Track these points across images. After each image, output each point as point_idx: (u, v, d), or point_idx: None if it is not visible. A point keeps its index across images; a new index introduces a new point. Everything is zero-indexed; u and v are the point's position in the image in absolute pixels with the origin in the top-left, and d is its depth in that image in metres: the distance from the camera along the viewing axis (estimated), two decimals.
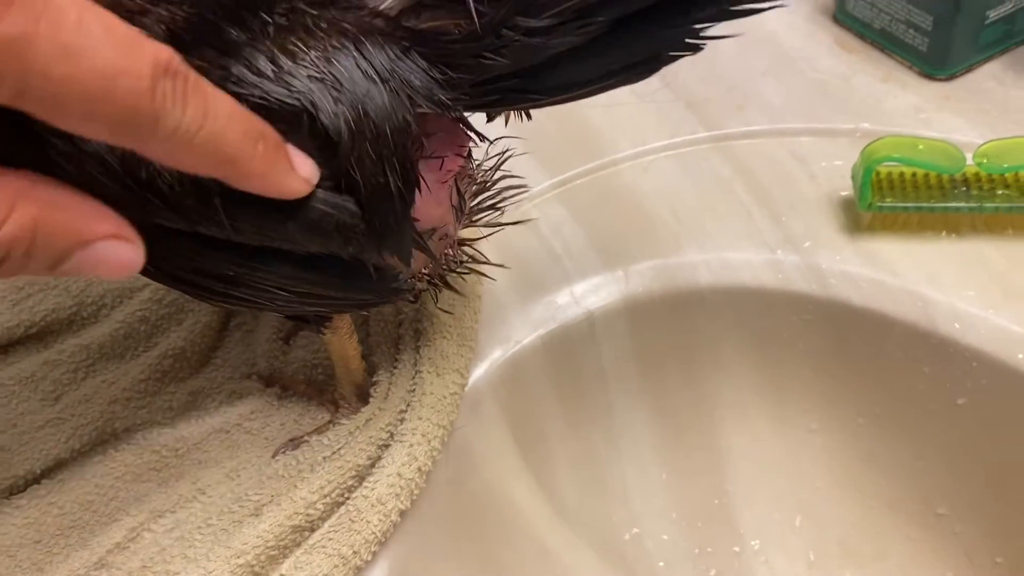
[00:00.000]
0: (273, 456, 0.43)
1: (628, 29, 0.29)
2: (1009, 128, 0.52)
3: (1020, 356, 0.43)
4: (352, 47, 0.30)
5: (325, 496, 0.39)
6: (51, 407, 0.45)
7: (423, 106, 0.31)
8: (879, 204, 0.47)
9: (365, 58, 0.30)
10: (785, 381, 0.52)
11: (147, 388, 0.46)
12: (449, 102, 0.31)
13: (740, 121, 0.56)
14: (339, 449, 0.41)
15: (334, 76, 0.30)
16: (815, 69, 0.58)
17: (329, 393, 0.45)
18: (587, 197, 0.52)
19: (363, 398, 0.44)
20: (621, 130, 0.56)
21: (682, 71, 0.60)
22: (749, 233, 0.50)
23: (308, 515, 0.39)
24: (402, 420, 0.42)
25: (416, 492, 0.40)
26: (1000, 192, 0.46)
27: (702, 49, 0.31)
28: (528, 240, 0.50)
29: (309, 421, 0.44)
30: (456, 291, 0.43)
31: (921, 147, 0.46)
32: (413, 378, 0.43)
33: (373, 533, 0.39)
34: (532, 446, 0.49)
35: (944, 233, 0.48)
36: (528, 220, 0.49)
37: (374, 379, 0.44)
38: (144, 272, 0.33)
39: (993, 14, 0.53)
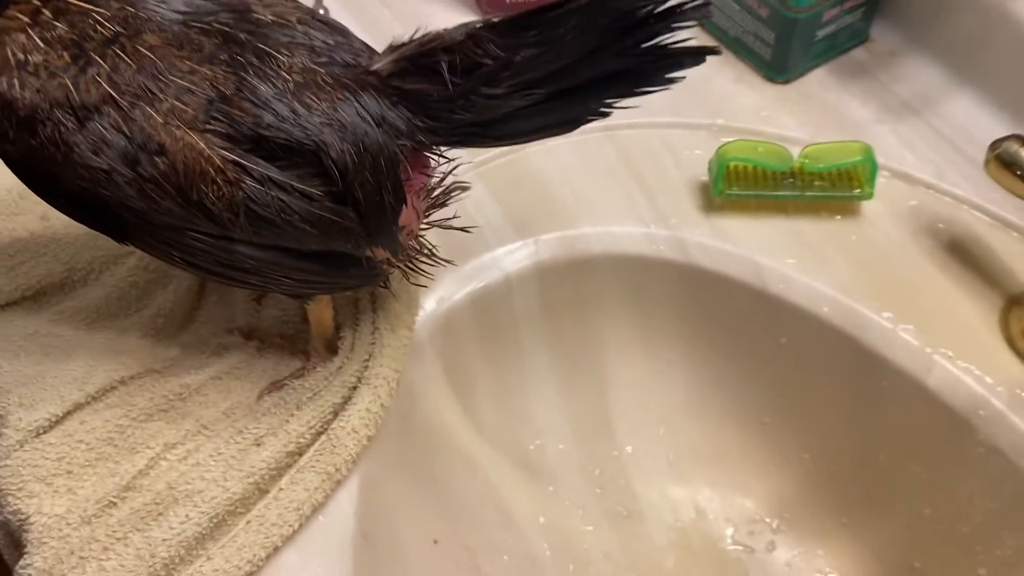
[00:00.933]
0: (259, 398, 0.53)
1: (560, 100, 0.41)
2: (828, 126, 0.66)
3: (824, 308, 0.59)
4: (353, 98, 0.41)
5: (311, 428, 0.51)
6: (63, 360, 0.54)
7: (407, 144, 0.42)
8: (728, 192, 0.61)
9: (363, 107, 0.41)
10: (654, 326, 0.66)
11: (145, 343, 0.55)
12: (426, 141, 0.42)
13: (625, 114, 0.68)
14: (319, 391, 0.52)
15: (340, 121, 0.41)
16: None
17: (301, 344, 0.56)
18: (503, 178, 0.64)
19: (331, 349, 0.55)
20: None
21: None
22: (630, 210, 0.63)
23: (298, 443, 0.50)
24: (366, 367, 0.53)
25: (379, 422, 0.52)
26: (817, 184, 0.60)
27: (610, 114, 0.43)
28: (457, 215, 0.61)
29: (285, 368, 0.55)
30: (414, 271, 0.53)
31: (760, 149, 0.60)
32: (372, 333, 0.55)
33: (350, 454, 0.51)
34: (460, 382, 0.62)
35: (775, 214, 0.62)
36: (469, 228, 0.56)
37: (340, 334, 0.55)
38: (176, 265, 0.43)
39: (821, 33, 0.67)
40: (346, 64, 0.41)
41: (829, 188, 0.61)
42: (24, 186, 0.62)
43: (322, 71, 0.41)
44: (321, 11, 0.74)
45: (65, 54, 0.38)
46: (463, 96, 0.40)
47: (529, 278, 0.62)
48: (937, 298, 0.58)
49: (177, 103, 0.38)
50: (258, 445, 0.50)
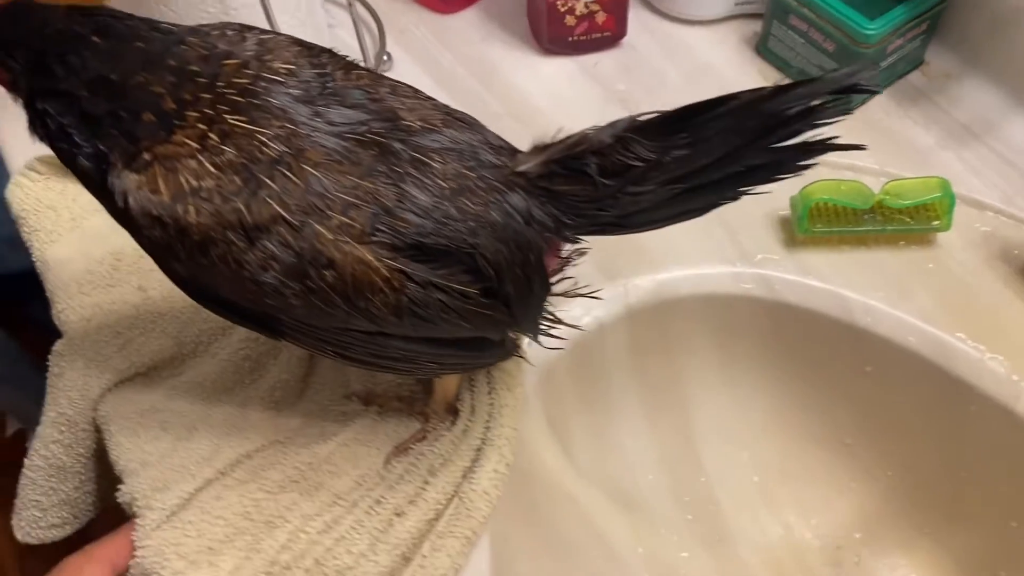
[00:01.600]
0: (386, 463, 0.55)
1: (700, 191, 0.43)
2: (894, 154, 0.69)
3: (910, 339, 0.61)
4: (503, 200, 0.42)
5: (448, 495, 0.53)
6: (186, 437, 0.56)
7: (552, 238, 0.44)
8: (813, 229, 0.63)
9: (513, 207, 0.42)
10: (736, 356, 0.68)
11: (267, 415, 0.57)
12: (570, 236, 0.44)
13: None
14: (449, 456, 0.54)
15: (492, 223, 0.42)
16: None
17: (418, 406, 0.57)
18: None
19: (451, 411, 0.56)
20: None
21: (643, 105, 0.73)
22: (715, 249, 0.65)
23: (436, 510, 0.52)
24: (488, 428, 0.55)
25: (505, 481, 0.55)
26: (897, 218, 0.63)
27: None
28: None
29: (405, 430, 0.57)
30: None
31: (843, 188, 0.62)
32: (489, 393, 0.57)
33: (483, 516, 0.53)
34: (558, 425, 0.64)
35: (855, 247, 0.64)
36: (596, 294, 0.57)
37: (459, 396, 0.57)
38: (327, 356, 0.45)
39: (884, 63, 0.69)
40: (492, 165, 0.43)
41: (908, 222, 0.63)
42: (119, 262, 0.64)
43: (473, 175, 0.42)
44: (385, 57, 0.75)
45: (236, 178, 0.39)
46: (612, 196, 0.42)
47: (620, 322, 0.64)
48: (1019, 324, 0.61)
49: (344, 219, 0.40)
50: (399, 515, 0.52)
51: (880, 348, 0.63)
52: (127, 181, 0.39)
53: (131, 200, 0.39)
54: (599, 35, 0.75)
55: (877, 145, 0.69)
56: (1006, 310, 0.62)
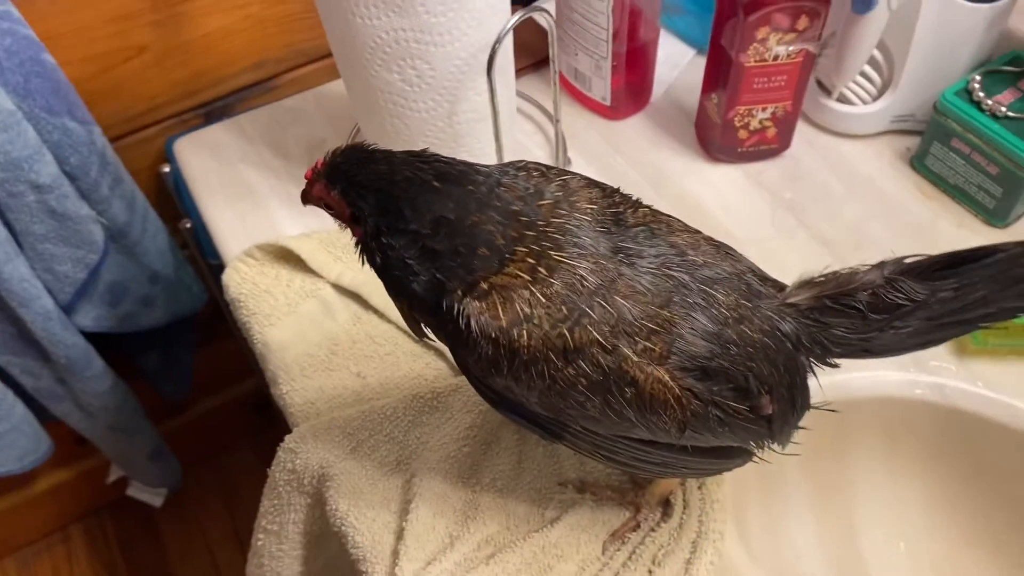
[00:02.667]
0: (604, 550, 0.60)
1: (951, 326, 0.48)
2: None
3: None
4: (776, 328, 0.48)
5: (671, 569, 0.57)
6: (430, 517, 0.61)
7: (815, 362, 0.49)
8: (988, 342, 0.68)
9: (783, 334, 0.48)
10: (901, 455, 0.73)
11: (496, 502, 0.62)
12: (831, 361, 0.49)
13: (859, 258, 0.75)
14: (672, 548, 0.59)
15: (766, 348, 0.47)
16: (908, 213, 0.78)
17: (630, 496, 0.62)
18: None
19: (663, 504, 0.61)
20: (772, 264, 0.74)
21: (810, 212, 0.79)
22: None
23: None
24: (702, 522, 0.60)
25: (717, 572, 0.59)
26: None
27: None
28: None
29: (616, 519, 0.62)
30: None
31: None
32: (700, 488, 0.61)
33: None
34: (738, 513, 0.68)
35: (1020, 358, 0.69)
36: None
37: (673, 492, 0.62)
38: (594, 458, 0.50)
39: None
40: (762, 295, 0.48)
41: None
42: (336, 347, 0.69)
43: (749, 305, 0.47)
44: (566, 162, 0.81)
45: (563, 308, 0.44)
46: (878, 329, 0.47)
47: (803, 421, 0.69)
48: None
49: (647, 343, 0.45)
50: None
51: None
52: (470, 307, 0.45)
53: (473, 323, 0.45)
54: (766, 147, 0.81)
55: None
56: None
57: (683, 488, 0.62)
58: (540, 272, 0.45)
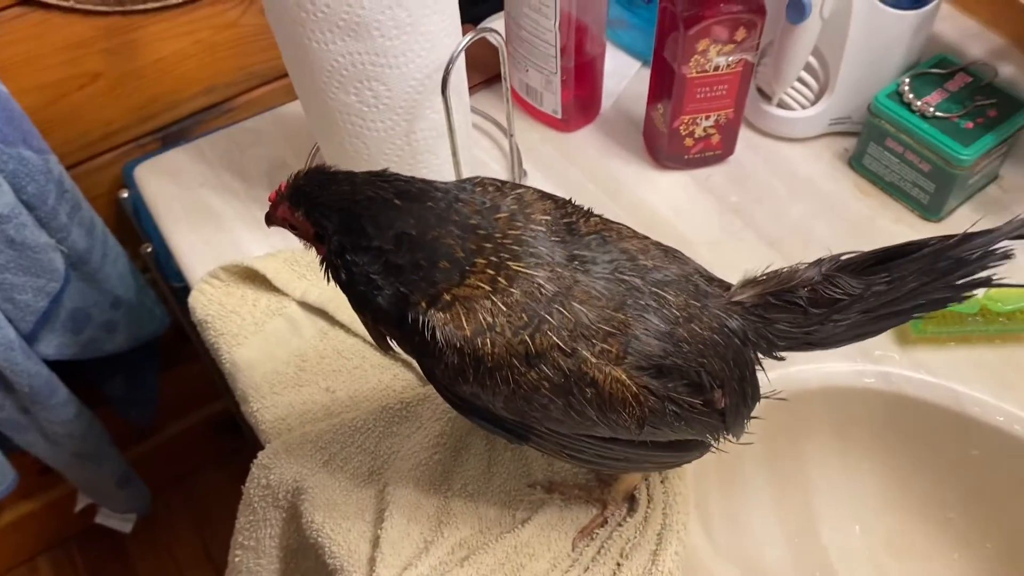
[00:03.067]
0: (574, 547, 0.62)
1: (885, 318, 0.51)
2: None
3: (1015, 427, 0.70)
4: (725, 326, 0.50)
5: (638, 561, 0.60)
6: (403, 524, 0.62)
7: (762, 355, 0.52)
8: (926, 331, 0.71)
9: (731, 330, 0.51)
10: (852, 441, 0.76)
11: (469, 506, 0.64)
12: (776, 354, 0.52)
13: (806, 257, 0.78)
14: (639, 541, 0.61)
15: (716, 345, 0.50)
16: (848, 211, 0.82)
17: (596, 493, 0.64)
18: None
19: (628, 500, 0.64)
20: (722, 265, 0.78)
21: (756, 214, 0.82)
22: (840, 348, 0.73)
23: (620, 572, 0.59)
24: (666, 515, 0.63)
25: (683, 563, 0.62)
26: (998, 321, 0.72)
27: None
28: None
29: (584, 516, 0.64)
30: None
31: None
32: (663, 482, 0.64)
33: None
34: (701, 505, 0.71)
35: (960, 345, 0.73)
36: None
37: (637, 488, 0.64)
38: (559, 457, 0.53)
39: (971, 181, 0.79)
40: (709, 294, 0.51)
41: (1007, 323, 0.72)
42: (304, 363, 0.71)
43: (698, 304, 0.50)
44: (522, 175, 0.83)
45: (524, 315, 0.47)
46: (819, 323, 0.50)
47: (757, 411, 0.72)
48: None
49: (604, 345, 0.48)
50: None
51: (987, 434, 0.71)
52: (435, 318, 0.47)
53: (439, 333, 0.47)
54: (711, 153, 0.84)
55: None
56: None
57: (647, 483, 0.64)
58: (500, 282, 0.47)
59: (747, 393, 0.52)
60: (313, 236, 0.50)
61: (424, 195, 0.48)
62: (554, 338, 0.47)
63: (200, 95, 1.02)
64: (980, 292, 0.52)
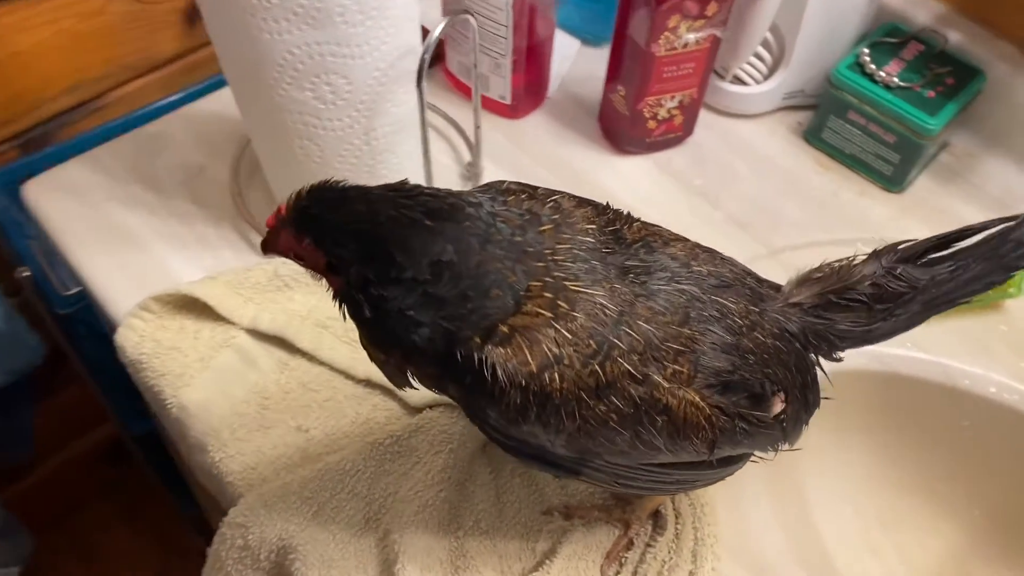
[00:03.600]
0: (603, 574, 0.57)
1: (943, 305, 0.48)
2: (948, 228, 0.78)
3: (1005, 395, 0.70)
4: (785, 331, 0.46)
5: None
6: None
7: (822, 357, 0.48)
8: None
9: (792, 336, 0.47)
10: (848, 424, 0.74)
11: (484, 544, 0.57)
12: (836, 356, 0.48)
13: (781, 237, 0.76)
14: (675, 562, 0.57)
15: (778, 353, 0.46)
16: (811, 187, 0.80)
17: (616, 513, 0.60)
18: None
19: (653, 517, 0.59)
20: None
21: (722, 196, 0.79)
22: None
23: None
24: (696, 528, 0.59)
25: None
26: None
27: None
28: None
29: (607, 539, 0.59)
30: None
31: None
32: (687, 494, 0.60)
33: None
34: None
35: (941, 318, 0.72)
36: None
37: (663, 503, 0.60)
38: (608, 487, 0.47)
39: (931, 151, 0.78)
40: (763, 296, 0.47)
41: (990, 293, 0.72)
42: (267, 400, 0.62)
43: (757, 310, 0.46)
44: (479, 165, 0.77)
45: (592, 342, 0.41)
46: (883, 319, 0.47)
47: None
48: None
49: (675, 366, 0.42)
50: None
51: (978, 405, 0.71)
52: (494, 355, 0.40)
53: (500, 372, 0.40)
54: (672, 135, 0.80)
55: (931, 221, 0.79)
56: None
57: (672, 497, 0.60)
58: (561, 306, 0.41)
59: (808, 400, 0.49)
60: (324, 267, 0.42)
61: (458, 212, 0.41)
62: (625, 364, 0.41)
63: (64, 94, 0.88)
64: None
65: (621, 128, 0.79)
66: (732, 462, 0.51)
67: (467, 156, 0.78)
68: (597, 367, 0.41)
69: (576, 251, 0.43)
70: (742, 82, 0.83)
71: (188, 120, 0.81)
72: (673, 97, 0.76)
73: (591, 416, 0.42)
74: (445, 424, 0.60)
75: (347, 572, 0.56)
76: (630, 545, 0.59)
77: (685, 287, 0.44)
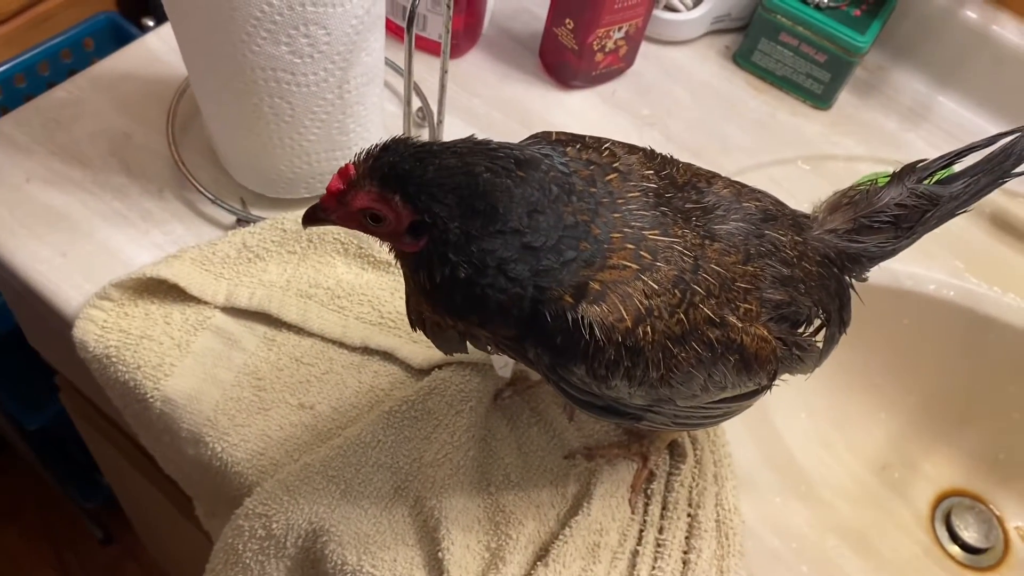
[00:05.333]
0: (633, 509, 0.59)
1: (944, 219, 0.51)
2: (874, 141, 0.83)
3: (944, 291, 0.76)
4: (824, 257, 0.48)
5: (714, 520, 0.58)
6: (463, 543, 0.55)
7: (853, 278, 0.50)
8: None
9: (830, 260, 0.49)
10: None
11: (518, 498, 0.57)
12: (864, 276, 0.51)
13: (732, 161, 0.79)
14: (703, 486, 0.59)
15: (820, 279, 0.48)
16: (748, 110, 0.83)
17: (635, 448, 0.61)
18: None
19: (669, 448, 0.61)
20: None
21: (669, 125, 0.80)
22: None
23: (715, 537, 0.57)
24: (713, 451, 0.61)
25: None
26: None
27: None
28: None
29: (628, 473, 0.61)
30: None
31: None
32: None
33: (741, 530, 0.59)
34: None
35: None
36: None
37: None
38: (665, 428, 0.49)
39: (856, 68, 0.82)
40: (803, 226, 0.48)
41: None
42: (260, 381, 0.59)
43: (801, 240, 0.47)
44: (423, 114, 0.74)
45: (676, 291, 0.41)
46: (907, 237, 0.49)
47: None
48: (1012, 264, 0.78)
49: (746, 305, 0.43)
50: (690, 552, 0.56)
51: (919, 303, 0.77)
52: (590, 313, 0.39)
53: (598, 331, 0.39)
54: (615, 67, 0.80)
55: (860, 135, 0.83)
56: (1008, 258, 0.78)
57: None
58: (644, 257, 0.40)
59: (844, 320, 0.51)
60: (407, 228, 0.39)
61: (536, 162, 0.39)
62: (705, 310, 0.42)
63: None
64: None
65: (567, 62, 0.78)
66: (764, 390, 0.53)
67: (416, 102, 0.75)
68: (682, 315, 0.41)
69: (644, 199, 0.42)
70: (675, 9, 0.84)
71: (97, 83, 0.72)
72: (620, 28, 0.76)
73: (673, 364, 0.42)
74: (460, 383, 0.59)
75: (385, 545, 0.55)
76: (652, 476, 0.60)
77: (741, 224, 0.45)
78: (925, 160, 0.51)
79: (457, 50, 0.79)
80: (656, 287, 0.40)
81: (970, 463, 0.84)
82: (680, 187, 0.45)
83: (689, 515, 0.58)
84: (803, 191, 0.78)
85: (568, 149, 0.43)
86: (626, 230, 0.41)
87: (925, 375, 0.82)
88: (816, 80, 0.82)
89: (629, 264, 0.40)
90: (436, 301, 0.41)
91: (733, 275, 0.43)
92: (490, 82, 0.80)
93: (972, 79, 0.85)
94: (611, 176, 0.42)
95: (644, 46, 0.85)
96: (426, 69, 0.78)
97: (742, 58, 0.85)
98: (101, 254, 0.64)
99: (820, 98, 0.83)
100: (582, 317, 0.39)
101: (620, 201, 0.41)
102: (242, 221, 0.66)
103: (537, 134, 0.45)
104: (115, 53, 0.74)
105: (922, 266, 0.76)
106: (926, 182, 0.50)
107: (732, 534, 0.58)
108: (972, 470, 0.83)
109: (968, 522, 0.79)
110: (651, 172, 0.44)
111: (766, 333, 0.44)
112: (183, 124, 0.70)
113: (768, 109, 0.84)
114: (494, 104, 0.78)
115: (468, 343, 0.45)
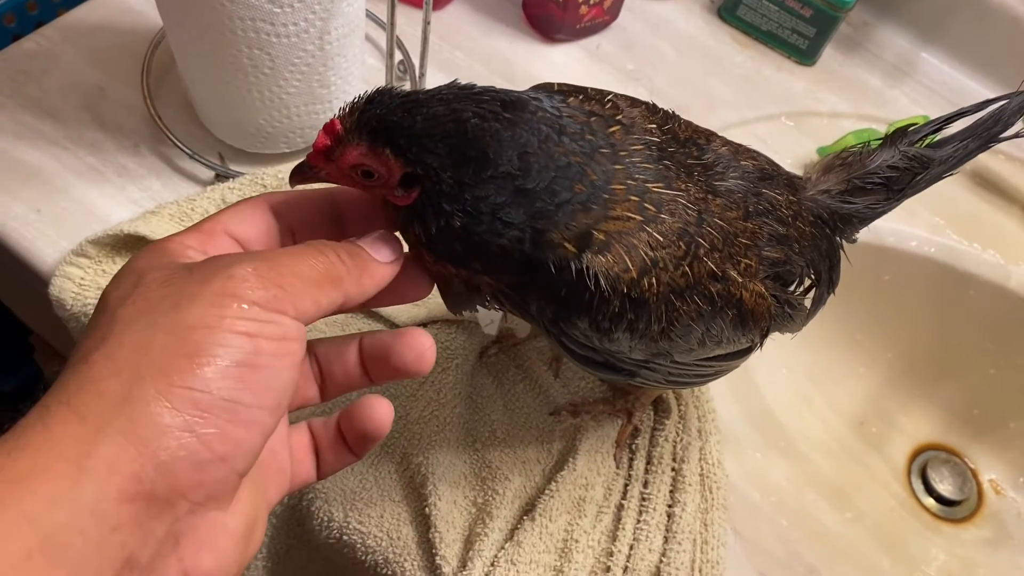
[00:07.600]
0: (618, 464, 0.59)
1: (933, 181, 0.51)
2: (858, 97, 0.82)
3: (925, 248, 0.77)
4: (817, 217, 0.48)
5: (699, 474, 0.58)
6: (449, 499, 0.55)
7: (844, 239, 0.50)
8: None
9: (822, 220, 0.49)
10: None
11: (505, 454, 0.57)
12: (855, 236, 0.51)
13: (718, 117, 0.78)
14: (687, 441, 0.59)
15: (813, 239, 0.48)
16: (734, 64, 0.82)
17: (620, 403, 0.61)
18: None
19: (654, 404, 0.61)
20: None
21: (655, 79, 0.79)
22: None
23: (698, 490, 0.58)
24: (697, 407, 0.61)
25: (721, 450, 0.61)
26: None
27: None
28: None
29: (612, 428, 0.61)
30: None
31: (852, 139, 0.74)
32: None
33: (725, 483, 0.60)
34: None
35: None
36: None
37: None
38: (658, 386, 0.49)
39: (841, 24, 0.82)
40: (798, 187, 0.48)
41: None
42: None
43: (795, 200, 0.47)
44: (405, 67, 0.73)
45: (681, 243, 0.40)
46: (897, 199, 0.49)
47: None
48: (998, 224, 0.78)
49: (746, 260, 0.43)
50: (674, 506, 0.57)
51: (900, 259, 0.77)
52: (595, 263, 0.39)
53: (603, 282, 0.39)
54: (600, 20, 0.79)
55: (844, 92, 0.83)
56: (988, 215, 0.79)
57: None
58: (649, 209, 0.40)
59: (833, 280, 0.51)
60: (398, 181, 0.38)
61: (524, 103, 0.38)
62: (709, 264, 0.41)
63: None
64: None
65: (551, 14, 0.77)
66: (754, 347, 0.53)
67: (397, 55, 0.73)
68: (687, 268, 0.41)
69: (648, 152, 0.41)
70: None
71: (67, 35, 0.70)
72: None
73: (675, 317, 0.42)
74: (445, 340, 0.59)
75: (371, 502, 0.55)
76: (636, 432, 0.61)
77: (740, 182, 0.45)
78: (916, 124, 0.51)
79: (439, 1, 0.78)
80: (661, 239, 0.40)
81: (946, 418, 0.86)
82: (682, 143, 0.44)
83: (673, 469, 0.59)
84: (787, 147, 0.78)
85: (570, 100, 0.42)
86: (629, 182, 0.40)
87: (904, 331, 0.83)
88: (801, 35, 0.81)
89: (633, 215, 0.40)
90: (435, 250, 0.40)
91: (735, 230, 0.43)
92: (472, 35, 0.78)
93: (955, 36, 0.85)
94: (614, 128, 0.41)
95: (629, 0, 0.84)
96: (407, 22, 0.77)
97: (727, 12, 0.84)
98: (76, 210, 0.62)
99: (805, 54, 0.82)
100: (587, 267, 0.39)
101: (623, 153, 0.41)
102: (221, 176, 0.65)
103: (538, 85, 0.44)
104: (85, 3, 0.72)
105: (904, 223, 0.76)
106: (917, 145, 0.49)
107: (716, 488, 0.59)
108: (948, 424, 0.85)
109: (943, 475, 0.81)
110: (654, 126, 0.43)
111: (763, 290, 0.44)
112: (158, 77, 0.68)
113: (753, 64, 0.83)
114: (476, 57, 0.77)
115: (476, 304, 0.44)
